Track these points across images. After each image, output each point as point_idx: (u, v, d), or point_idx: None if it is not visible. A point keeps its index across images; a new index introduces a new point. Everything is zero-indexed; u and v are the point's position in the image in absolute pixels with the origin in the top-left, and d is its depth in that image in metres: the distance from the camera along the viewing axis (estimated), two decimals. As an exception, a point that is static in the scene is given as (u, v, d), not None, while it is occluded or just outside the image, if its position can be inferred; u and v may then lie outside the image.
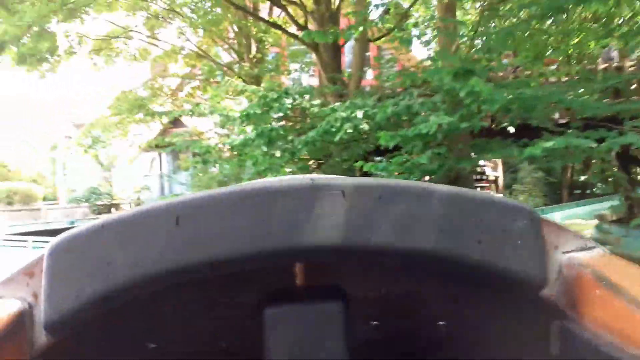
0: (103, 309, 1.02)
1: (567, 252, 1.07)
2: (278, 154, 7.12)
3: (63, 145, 22.22)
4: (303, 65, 10.92)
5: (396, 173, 5.53)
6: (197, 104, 8.52)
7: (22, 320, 0.98)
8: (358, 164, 5.77)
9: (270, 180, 1.34)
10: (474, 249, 1.03)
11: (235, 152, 8.17)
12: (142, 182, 24.08)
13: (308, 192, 1.05)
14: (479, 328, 1.44)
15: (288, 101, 6.31)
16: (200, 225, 1.01)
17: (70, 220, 13.76)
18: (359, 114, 5.33)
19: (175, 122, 19.06)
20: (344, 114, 5.42)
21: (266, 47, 13.65)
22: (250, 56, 13.02)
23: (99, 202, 22.55)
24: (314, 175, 1.89)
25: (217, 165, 9.22)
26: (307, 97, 6.99)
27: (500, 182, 21.86)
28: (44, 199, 24.66)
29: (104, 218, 1.08)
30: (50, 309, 0.98)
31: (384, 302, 1.51)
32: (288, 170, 7.05)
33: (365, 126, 5.43)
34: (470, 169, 6.56)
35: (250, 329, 1.29)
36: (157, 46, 14.02)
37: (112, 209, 22.68)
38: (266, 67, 12.27)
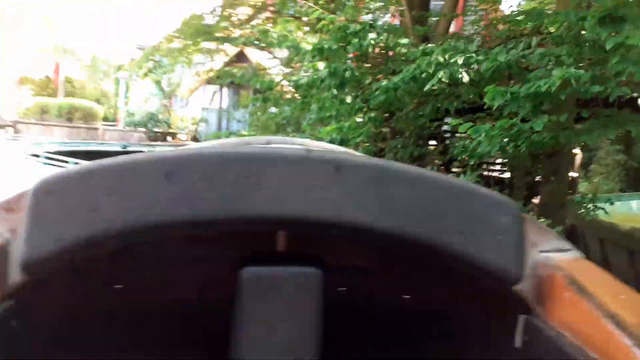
0: (82, 255, 1.01)
1: (544, 251, 1.10)
2: (349, 99, 6.20)
3: (126, 68, 22.07)
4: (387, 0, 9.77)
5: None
6: (266, 31, 7.67)
7: None
8: (454, 121, 4.77)
9: (262, 141, 1.51)
10: (456, 238, 1.04)
11: (298, 94, 7.33)
12: (201, 114, 23.95)
13: (301, 162, 1.04)
14: (445, 310, 1.45)
15: (371, 36, 5.31)
16: (189, 183, 0.99)
17: (123, 144, 13.54)
18: (459, 59, 4.33)
19: (240, 57, 18.46)
20: (440, 58, 4.42)
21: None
22: (328, -11, 11.92)
23: (156, 129, 22.49)
24: (308, 141, 1.99)
25: (278, 105, 8.44)
26: (391, 36, 5.96)
27: (578, 160, 20.13)
28: (104, 119, 24.92)
29: (92, 163, 1.01)
30: (28, 249, 0.97)
31: (354, 270, 1.52)
32: (358, 120, 6.16)
33: (464, 76, 4.42)
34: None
35: (224, 286, 1.26)
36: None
37: (168, 137, 22.65)
38: (343, 2, 11.16)
